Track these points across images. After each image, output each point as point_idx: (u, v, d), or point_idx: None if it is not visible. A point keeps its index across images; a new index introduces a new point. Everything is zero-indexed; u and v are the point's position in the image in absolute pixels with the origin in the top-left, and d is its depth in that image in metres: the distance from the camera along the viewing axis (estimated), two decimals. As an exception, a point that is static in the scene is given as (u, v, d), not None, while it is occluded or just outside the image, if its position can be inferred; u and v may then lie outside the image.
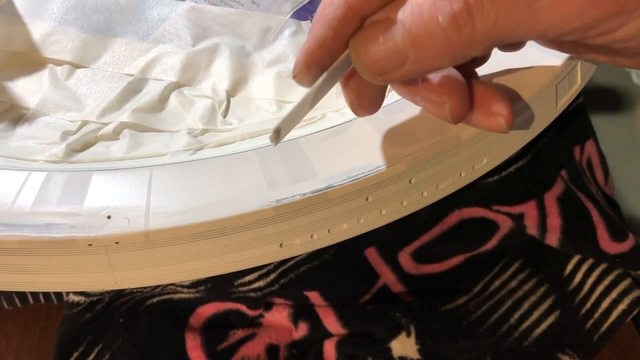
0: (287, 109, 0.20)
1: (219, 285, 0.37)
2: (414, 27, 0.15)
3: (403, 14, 0.15)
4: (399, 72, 0.16)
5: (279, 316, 0.38)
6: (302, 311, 0.38)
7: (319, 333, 0.38)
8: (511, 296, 0.39)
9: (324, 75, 0.17)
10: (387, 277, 0.39)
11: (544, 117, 0.27)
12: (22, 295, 0.41)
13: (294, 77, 0.17)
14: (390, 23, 0.15)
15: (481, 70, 0.24)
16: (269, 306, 0.39)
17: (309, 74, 0.17)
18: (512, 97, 0.25)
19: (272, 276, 0.37)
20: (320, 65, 0.17)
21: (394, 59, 0.16)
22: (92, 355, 0.37)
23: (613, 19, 0.15)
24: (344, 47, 0.16)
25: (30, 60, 0.32)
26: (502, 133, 0.20)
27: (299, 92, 0.30)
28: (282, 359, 0.38)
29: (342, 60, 0.17)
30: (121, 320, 0.38)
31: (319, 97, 0.18)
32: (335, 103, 0.30)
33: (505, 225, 0.39)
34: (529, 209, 0.38)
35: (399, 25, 0.15)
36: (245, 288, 0.37)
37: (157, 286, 0.38)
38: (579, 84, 0.29)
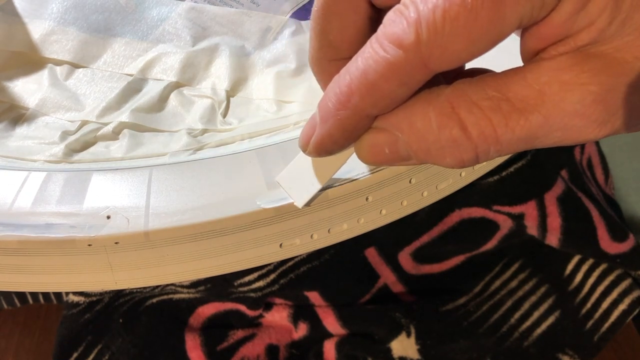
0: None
1: (218, 286, 0.37)
2: (421, 154, 0.16)
3: (408, 137, 0.16)
4: (401, 165, 0.17)
5: (278, 316, 0.38)
6: (302, 311, 0.38)
7: (318, 333, 0.38)
8: (511, 296, 0.39)
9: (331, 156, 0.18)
10: (387, 277, 0.39)
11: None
12: (21, 295, 0.41)
13: (304, 152, 0.18)
14: (396, 137, 0.16)
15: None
16: (268, 306, 0.39)
17: (317, 155, 0.18)
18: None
19: (272, 276, 0.37)
20: (329, 152, 0.17)
21: (398, 162, 0.17)
22: (92, 356, 0.37)
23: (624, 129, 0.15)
24: (354, 140, 0.17)
25: (30, 60, 0.32)
26: None
27: (299, 92, 0.30)
28: (282, 359, 0.38)
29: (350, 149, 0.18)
30: (121, 320, 0.38)
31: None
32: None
33: (506, 225, 0.39)
34: (529, 209, 0.38)
35: (403, 141, 0.16)
36: (245, 288, 0.37)
37: (157, 286, 0.38)
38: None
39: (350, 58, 0.16)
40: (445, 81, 0.15)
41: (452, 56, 0.14)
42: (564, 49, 0.14)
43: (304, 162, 0.21)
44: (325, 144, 0.17)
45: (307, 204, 0.22)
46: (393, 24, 0.14)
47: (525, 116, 0.14)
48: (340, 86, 0.15)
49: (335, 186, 0.23)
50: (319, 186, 0.21)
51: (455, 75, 0.17)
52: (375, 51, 0.14)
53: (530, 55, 0.15)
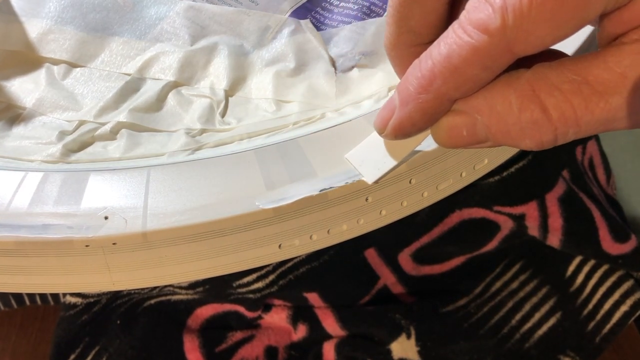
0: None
1: (217, 287, 0.37)
2: (499, 136, 0.16)
3: (488, 119, 0.16)
4: (476, 147, 0.18)
5: (277, 318, 0.38)
6: (301, 312, 0.38)
7: (318, 334, 0.37)
8: (512, 297, 0.39)
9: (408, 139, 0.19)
10: (387, 278, 0.39)
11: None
12: (18, 296, 0.41)
13: (381, 134, 0.19)
14: (474, 119, 0.16)
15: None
16: (267, 307, 0.38)
17: (394, 138, 0.18)
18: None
19: (271, 277, 0.37)
20: (407, 135, 0.18)
21: (474, 144, 0.17)
22: (90, 357, 0.37)
23: None
24: (433, 123, 0.17)
25: (27, 60, 0.32)
26: None
27: (298, 92, 0.30)
28: (281, 360, 0.37)
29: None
30: (118, 321, 0.37)
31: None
32: (334, 103, 0.30)
33: (506, 226, 0.38)
34: (530, 210, 0.37)
35: (482, 123, 0.16)
36: (244, 289, 0.37)
37: (155, 287, 0.38)
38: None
39: (429, 43, 0.16)
40: (518, 65, 0.16)
41: (536, 40, 0.14)
42: None
43: (376, 142, 0.21)
44: (405, 126, 0.17)
45: (377, 181, 0.23)
46: (477, 10, 0.14)
47: (605, 99, 0.14)
48: (422, 70, 0.16)
49: (335, 187, 0.23)
50: (391, 164, 0.21)
51: (531, 58, 0.17)
52: (459, 36, 0.15)
53: (609, 40, 0.15)
